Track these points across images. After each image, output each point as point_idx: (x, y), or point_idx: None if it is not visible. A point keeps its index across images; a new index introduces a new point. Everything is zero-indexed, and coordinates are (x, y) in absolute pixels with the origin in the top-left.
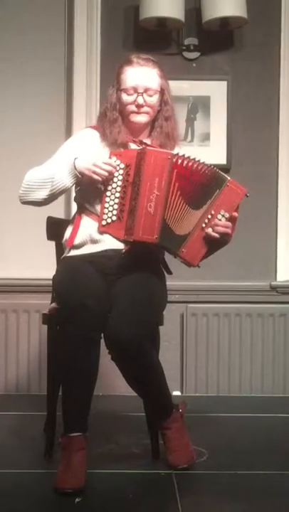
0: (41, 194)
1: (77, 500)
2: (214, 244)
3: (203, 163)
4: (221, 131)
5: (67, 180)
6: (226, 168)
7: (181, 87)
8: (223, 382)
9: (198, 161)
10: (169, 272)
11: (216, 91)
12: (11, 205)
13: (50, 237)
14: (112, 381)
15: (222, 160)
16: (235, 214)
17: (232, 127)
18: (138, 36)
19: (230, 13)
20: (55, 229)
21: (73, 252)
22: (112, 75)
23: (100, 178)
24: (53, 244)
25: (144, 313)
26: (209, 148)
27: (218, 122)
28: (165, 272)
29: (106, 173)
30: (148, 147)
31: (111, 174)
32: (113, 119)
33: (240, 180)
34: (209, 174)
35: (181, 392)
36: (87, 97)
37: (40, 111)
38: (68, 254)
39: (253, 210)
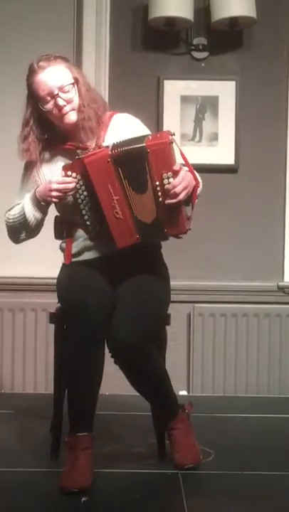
0: (25, 234)
1: (83, 499)
2: (186, 202)
3: (125, 144)
4: (229, 131)
5: (37, 214)
6: (233, 168)
7: (189, 87)
8: (230, 383)
9: (123, 143)
10: (178, 237)
11: (225, 91)
12: None
13: (57, 236)
14: (118, 380)
15: (230, 160)
16: (176, 166)
17: (240, 127)
18: (147, 36)
19: (239, 13)
20: (63, 228)
21: (73, 259)
22: (121, 74)
23: (63, 199)
24: (60, 243)
25: (146, 315)
26: (217, 148)
27: (226, 122)
28: (175, 238)
29: (65, 190)
30: (85, 158)
31: (70, 189)
32: (23, 136)
33: (248, 179)
34: (132, 153)
35: (188, 391)
36: None
37: None
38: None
39: (260, 210)
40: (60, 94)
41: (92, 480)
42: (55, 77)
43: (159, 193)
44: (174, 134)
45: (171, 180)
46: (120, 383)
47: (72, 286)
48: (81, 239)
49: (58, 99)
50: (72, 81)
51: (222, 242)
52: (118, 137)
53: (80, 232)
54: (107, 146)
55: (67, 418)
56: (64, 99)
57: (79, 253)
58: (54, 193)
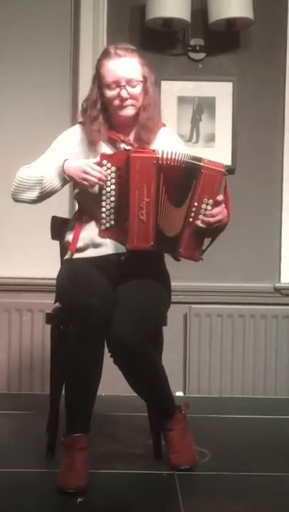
0: (31, 195)
1: (79, 500)
2: (210, 233)
3: (178, 156)
4: (226, 132)
5: (56, 183)
6: (230, 169)
7: (186, 88)
8: (226, 384)
9: (176, 155)
10: (177, 259)
11: (222, 92)
12: (14, 205)
13: (54, 236)
14: (115, 381)
15: (227, 161)
16: (220, 197)
17: (237, 128)
18: (144, 36)
19: (237, 14)
20: (60, 228)
21: (76, 255)
22: None
23: (90, 184)
24: (57, 243)
25: (146, 316)
26: (214, 149)
27: (223, 123)
28: (174, 259)
29: (96, 179)
30: (132, 153)
31: (101, 180)
32: (93, 116)
33: (245, 180)
34: (184, 168)
35: (184, 392)
36: None
37: (45, 112)
38: (71, 257)
39: (257, 211)
40: (127, 86)
41: (88, 480)
42: (126, 68)
43: (192, 214)
44: (226, 170)
45: (209, 207)
46: (116, 384)
47: (73, 286)
48: (89, 230)
49: (123, 91)
50: (142, 79)
51: (219, 243)
52: (165, 148)
53: (89, 224)
54: (154, 150)
55: (63, 418)
56: (128, 93)
57: (83, 248)
58: (84, 175)
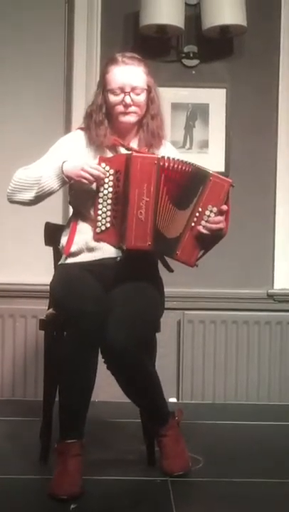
0: (27, 195)
1: (72, 506)
2: (209, 240)
3: (185, 162)
4: (219, 138)
5: (54, 184)
6: (223, 175)
7: (180, 94)
8: (219, 390)
9: (182, 160)
10: (170, 270)
11: (215, 98)
12: (8, 210)
13: (47, 242)
14: (109, 387)
15: (220, 167)
16: (224, 207)
17: (230, 135)
18: (138, 43)
19: (230, 21)
20: (53, 235)
21: (70, 260)
22: None
23: (85, 182)
24: (50, 249)
25: (140, 323)
26: (208, 155)
27: (216, 130)
28: (167, 270)
29: (93, 179)
30: (134, 153)
31: (99, 179)
32: (99, 121)
33: (238, 187)
34: (192, 172)
35: (177, 399)
36: (86, 103)
37: (39, 118)
38: (65, 262)
39: (250, 217)
40: (132, 93)
41: (81, 486)
42: (132, 76)
43: (195, 219)
44: (234, 186)
45: (212, 214)
46: (110, 390)
47: (67, 292)
48: (83, 234)
49: (127, 97)
50: (146, 87)
51: (212, 249)
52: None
53: (84, 228)
54: (155, 153)
55: (57, 424)
56: (132, 99)
57: (77, 253)
58: (82, 173)
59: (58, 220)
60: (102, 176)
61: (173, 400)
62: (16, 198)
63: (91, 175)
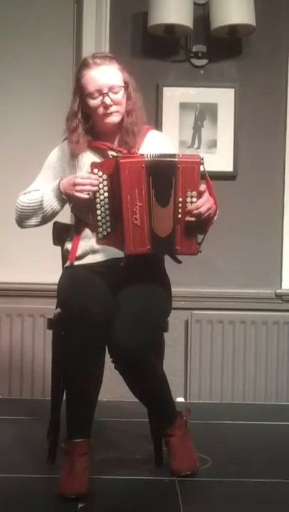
0: (34, 220)
1: (80, 505)
2: (203, 223)
3: (159, 156)
4: (227, 138)
5: (55, 205)
6: (232, 175)
7: (188, 94)
8: (227, 390)
9: (156, 155)
10: (178, 261)
11: (224, 98)
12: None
13: (56, 242)
14: (116, 387)
15: (228, 167)
16: (202, 187)
17: (239, 135)
18: (146, 42)
19: (239, 21)
20: (61, 234)
21: (76, 263)
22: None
23: (86, 196)
24: (58, 249)
25: (147, 323)
26: (216, 155)
27: (225, 129)
28: (176, 262)
29: (88, 187)
30: (121, 159)
31: (94, 185)
32: (72, 128)
33: (247, 187)
34: (162, 166)
35: (185, 398)
36: None
37: (47, 117)
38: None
39: (258, 217)
40: (110, 93)
41: (88, 486)
42: (107, 76)
43: (180, 210)
44: (202, 159)
45: (194, 199)
46: (117, 389)
47: (74, 292)
48: (87, 240)
49: (106, 98)
50: (123, 84)
51: (220, 249)
52: (152, 150)
53: (87, 233)
54: (142, 154)
55: (64, 424)
56: (112, 99)
57: (82, 256)
58: (78, 187)
59: (66, 219)
60: (96, 182)
61: (180, 399)
62: (25, 225)
63: (84, 184)
